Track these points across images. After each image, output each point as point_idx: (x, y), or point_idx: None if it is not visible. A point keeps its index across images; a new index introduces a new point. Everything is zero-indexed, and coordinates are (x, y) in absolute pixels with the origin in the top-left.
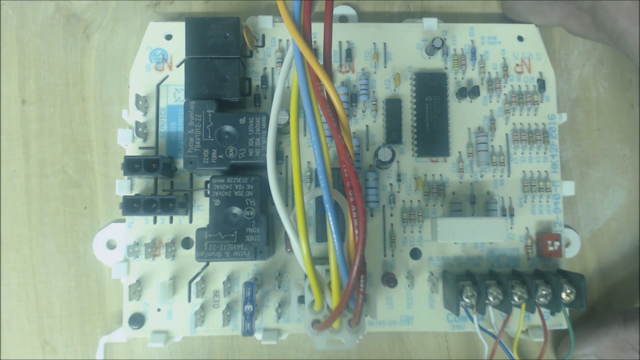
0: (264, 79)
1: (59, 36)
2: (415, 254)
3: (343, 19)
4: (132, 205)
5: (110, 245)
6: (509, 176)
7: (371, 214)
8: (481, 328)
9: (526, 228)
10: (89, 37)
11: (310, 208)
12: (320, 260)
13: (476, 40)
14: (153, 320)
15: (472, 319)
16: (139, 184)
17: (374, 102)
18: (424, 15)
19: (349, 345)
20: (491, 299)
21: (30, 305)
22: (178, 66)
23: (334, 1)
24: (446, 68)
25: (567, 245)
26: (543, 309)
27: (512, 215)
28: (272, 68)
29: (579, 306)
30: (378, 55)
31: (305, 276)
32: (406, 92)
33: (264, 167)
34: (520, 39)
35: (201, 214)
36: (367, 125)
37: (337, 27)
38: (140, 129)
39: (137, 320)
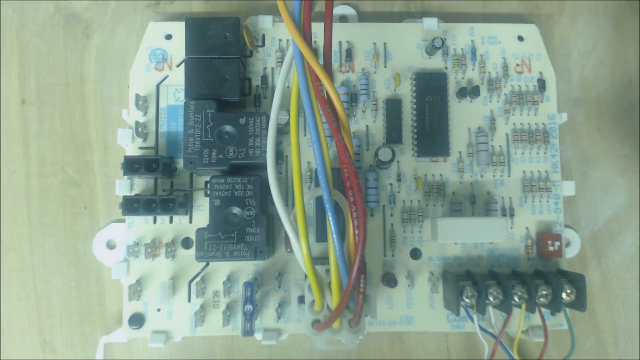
0: (264, 79)
1: (59, 36)
2: (415, 254)
3: (343, 19)
4: (132, 205)
5: (110, 245)
6: (509, 176)
7: (371, 214)
8: (481, 328)
9: (526, 228)
10: (89, 37)
11: (310, 208)
12: (320, 260)
13: (476, 40)
14: (153, 320)
15: (472, 319)
16: (139, 184)
17: (374, 102)
18: (424, 15)
19: (349, 345)
20: (491, 299)
21: (30, 305)
22: (178, 66)
23: (334, 1)
24: (446, 68)
25: (567, 245)
26: (543, 309)
27: (512, 215)
28: (272, 68)
29: (579, 306)
30: (378, 55)
31: (305, 276)
32: (406, 92)
33: (264, 167)
34: (520, 39)
35: (201, 214)
36: (367, 125)
37: (337, 27)
38: (140, 129)
39: (137, 320)
